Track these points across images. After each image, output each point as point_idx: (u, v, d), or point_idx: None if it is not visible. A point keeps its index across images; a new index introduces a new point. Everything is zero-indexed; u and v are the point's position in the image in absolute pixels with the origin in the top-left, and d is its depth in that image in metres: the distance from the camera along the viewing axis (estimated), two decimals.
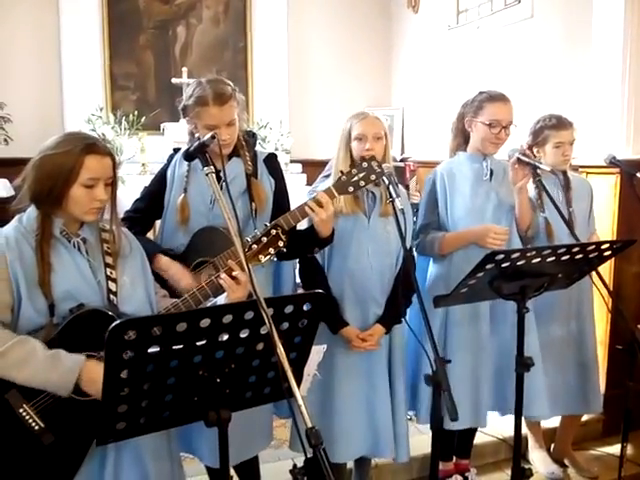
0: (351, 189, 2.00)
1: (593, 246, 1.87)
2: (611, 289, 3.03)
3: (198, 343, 1.30)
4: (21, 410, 1.49)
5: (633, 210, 2.96)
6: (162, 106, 5.29)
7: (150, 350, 1.25)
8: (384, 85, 6.05)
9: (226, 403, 1.37)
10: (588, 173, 3.15)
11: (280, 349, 1.28)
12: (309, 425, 1.23)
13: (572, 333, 2.70)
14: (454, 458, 2.73)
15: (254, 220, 2.09)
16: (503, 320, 2.44)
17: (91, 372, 1.49)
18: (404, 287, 2.20)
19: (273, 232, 1.80)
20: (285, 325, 1.41)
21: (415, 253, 2.46)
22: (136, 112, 5.02)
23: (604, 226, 3.05)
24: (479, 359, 2.43)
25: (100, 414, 1.30)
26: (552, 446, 3.02)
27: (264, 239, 1.80)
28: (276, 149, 5.24)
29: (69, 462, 1.54)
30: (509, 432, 2.95)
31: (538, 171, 2.28)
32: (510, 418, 2.40)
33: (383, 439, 2.31)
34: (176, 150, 2.21)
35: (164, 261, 2.00)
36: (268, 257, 1.81)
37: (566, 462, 2.96)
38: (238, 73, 5.64)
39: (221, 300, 1.74)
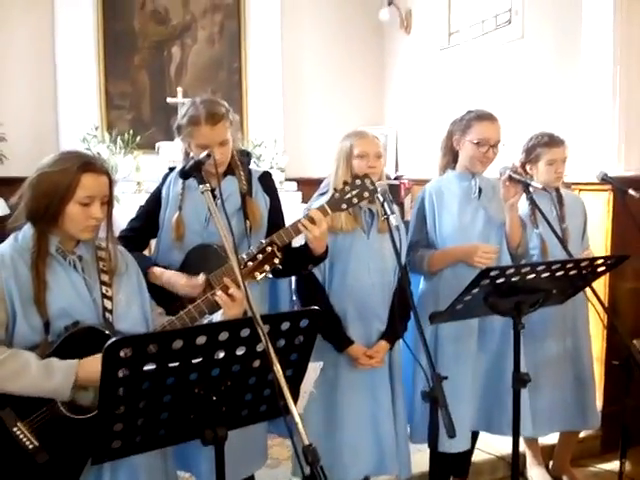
0: (344, 206, 2.01)
1: (587, 262, 1.88)
2: (606, 305, 3.06)
3: (194, 361, 1.30)
4: (15, 429, 1.48)
5: (626, 226, 2.98)
6: (157, 125, 5.31)
7: (146, 368, 1.24)
8: (377, 104, 6.11)
9: (222, 421, 1.36)
10: (581, 190, 3.18)
11: (277, 366, 1.27)
12: (306, 442, 1.22)
13: (568, 349, 2.70)
14: (451, 478, 2.71)
15: (249, 238, 2.09)
16: (490, 337, 2.44)
17: (87, 371, 1.49)
18: (400, 303, 2.20)
19: (268, 249, 1.80)
20: (282, 342, 1.41)
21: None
22: (131, 131, 5.04)
23: (597, 243, 3.07)
24: (469, 376, 2.43)
25: (95, 432, 1.28)
26: (551, 463, 3.00)
27: (259, 256, 1.80)
28: (271, 167, 5.25)
29: None
30: (507, 450, 2.93)
31: (530, 188, 2.29)
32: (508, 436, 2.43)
33: (389, 456, 2.30)
34: (171, 169, 2.22)
35: (158, 270, 2.00)
36: (264, 274, 1.81)
37: (564, 479, 2.94)
38: (233, 93, 5.68)
39: (217, 318, 1.74)
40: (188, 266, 2.06)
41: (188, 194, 2.11)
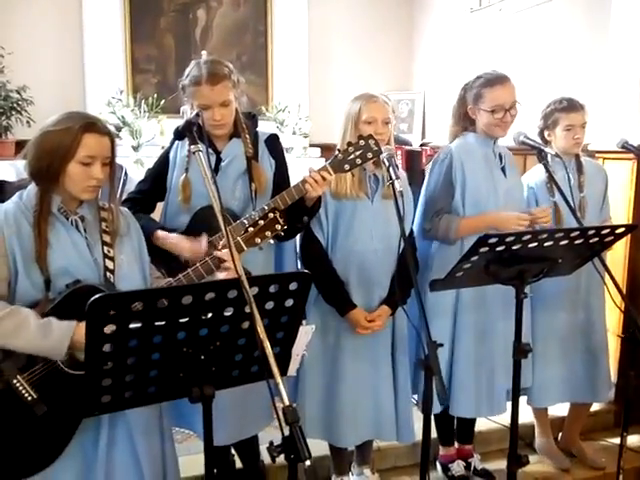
0: (347, 167, 1.99)
1: (593, 231, 1.82)
2: (625, 278, 2.98)
3: (181, 320, 1.32)
4: (15, 381, 1.53)
5: None
6: None
7: (132, 325, 1.26)
8: (405, 69, 5.97)
9: (211, 380, 1.39)
10: (605, 159, 3.08)
11: (260, 328, 1.28)
12: (287, 403, 1.23)
13: (580, 321, 2.66)
14: (455, 443, 2.72)
15: (254, 202, 2.09)
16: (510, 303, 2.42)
17: (83, 334, 1.51)
18: (401, 272, 2.19)
19: (270, 215, 1.79)
20: (270, 304, 1.41)
21: (417, 237, 2.42)
22: (155, 95, 5.05)
23: (620, 213, 2.98)
24: (490, 343, 2.41)
25: (85, 386, 1.32)
26: (559, 435, 2.99)
27: (261, 222, 1.79)
28: (294, 133, 5.23)
29: (61, 433, 1.58)
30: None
31: (544, 155, 2.23)
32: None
33: (387, 423, 2.32)
34: None
35: (162, 234, 2.03)
36: (265, 240, 1.81)
37: (573, 452, 2.92)
38: (258, 56, 5.64)
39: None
40: (194, 228, 2.07)
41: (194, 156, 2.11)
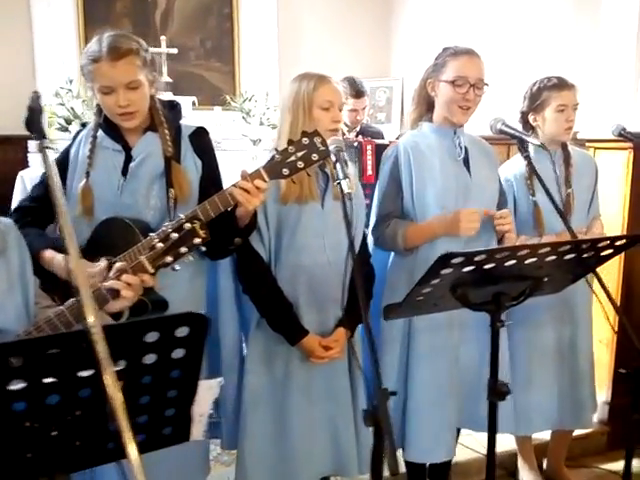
0: (286, 172, 1.61)
1: (588, 244, 1.44)
2: (619, 290, 2.63)
3: (13, 387, 0.94)
4: None
5: None
6: None
7: None
8: (383, 54, 5.60)
9: (67, 464, 1.02)
10: (596, 148, 2.72)
11: (113, 394, 0.91)
12: None
13: (565, 338, 2.30)
14: None
15: (172, 212, 1.70)
16: (474, 323, 2.06)
17: None
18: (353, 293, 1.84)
19: (187, 226, 1.42)
20: (151, 358, 1.05)
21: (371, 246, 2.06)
22: None
23: (612, 210, 2.63)
24: (451, 372, 2.05)
25: None
26: (544, 463, 2.64)
27: (174, 235, 1.42)
28: (261, 124, 4.86)
29: None
30: (497, 448, 2.58)
31: (526, 146, 1.85)
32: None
33: (348, 458, 1.99)
34: (84, 125, 1.83)
35: (48, 255, 1.63)
36: (181, 259, 1.43)
37: None
38: (224, 42, 5.26)
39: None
40: (96, 244, 1.69)
41: (99, 154, 1.73)
